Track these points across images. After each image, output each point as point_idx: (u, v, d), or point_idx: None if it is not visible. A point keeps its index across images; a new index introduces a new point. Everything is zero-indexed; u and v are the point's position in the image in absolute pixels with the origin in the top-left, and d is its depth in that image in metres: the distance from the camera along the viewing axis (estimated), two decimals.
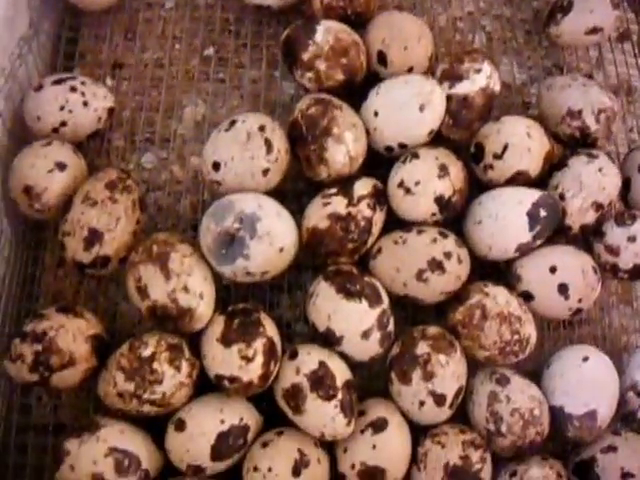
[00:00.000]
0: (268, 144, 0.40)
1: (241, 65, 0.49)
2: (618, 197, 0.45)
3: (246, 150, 0.40)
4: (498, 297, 0.41)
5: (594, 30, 0.49)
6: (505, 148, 0.43)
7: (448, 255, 0.41)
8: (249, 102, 0.48)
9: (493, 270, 0.44)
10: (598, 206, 0.43)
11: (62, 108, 0.43)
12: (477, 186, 0.44)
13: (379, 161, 0.44)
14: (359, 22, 0.46)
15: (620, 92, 0.53)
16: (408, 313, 0.44)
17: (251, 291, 0.44)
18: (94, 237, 0.39)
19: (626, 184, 0.46)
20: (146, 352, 0.38)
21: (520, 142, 0.43)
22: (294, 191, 0.45)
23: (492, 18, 0.53)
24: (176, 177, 0.47)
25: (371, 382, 0.42)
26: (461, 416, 0.41)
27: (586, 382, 0.42)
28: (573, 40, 0.50)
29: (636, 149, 0.47)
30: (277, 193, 0.42)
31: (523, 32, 0.53)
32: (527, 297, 0.42)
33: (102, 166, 0.46)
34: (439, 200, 0.41)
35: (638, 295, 0.48)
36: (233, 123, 0.41)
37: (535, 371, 0.43)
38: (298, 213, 0.42)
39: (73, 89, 0.43)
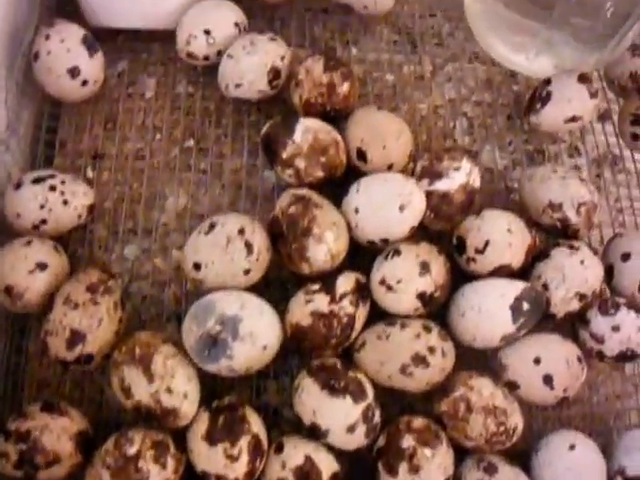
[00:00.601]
0: (248, 246, 0.43)
1: (222, 155, 0.51)
2: (602, 284, 0.47)
3: (226, 254, 0.42)
4: (483, 390, 0.43)
5: (573, 119, 0.52)
6: (486, 244, 0.45)
7: (432, 349, 0.43)
8: (231, 192, 0.50)
9: (480, 354, 0.46)
10: (581, 296, 0.46)
11: (42, 207, 0.45)
12: (461, 273, 0.46)
13: (363, 250, 0.46)
14: (338, 117, 0.49)
15: (604, 164, 0.55)
16: (396, 396, 0.45)
17: (237, 378, 0.45)
18: (76, 337, 0.41)
19: (609, 271, 0.48)
20: (131, 450, 0.40)
21: (501, 238, 0.45)
22: (278, 279, 0.47)
23: (473, 104, 0.55)
24: (159, 268, 0.48)
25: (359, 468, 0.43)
26: None
27: (573, 470, 0.43)
28: (553, 128, 0.53)
29: (617, 236, 0.50)
30: (261, 281, 0.44)
31: (504, 117, 0.55)
32: (513, 386, 0.44)
33: (84, 257, 0.48)
34: (421, 297, 0.43)
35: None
36: (212, 226, 0.43)
37: (524, 450, 0.45)
38: (283, 300, 0.44)
39: (52, 188, 0.45)
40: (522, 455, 0.44)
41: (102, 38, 0.52)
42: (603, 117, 0.56)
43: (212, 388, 0.44)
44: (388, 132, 0.47)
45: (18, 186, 0.46)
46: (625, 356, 0.46)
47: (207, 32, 0.50)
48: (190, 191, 0.50)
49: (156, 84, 0.53)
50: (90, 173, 0.50)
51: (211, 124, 0.52)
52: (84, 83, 0.49)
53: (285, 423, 0.45)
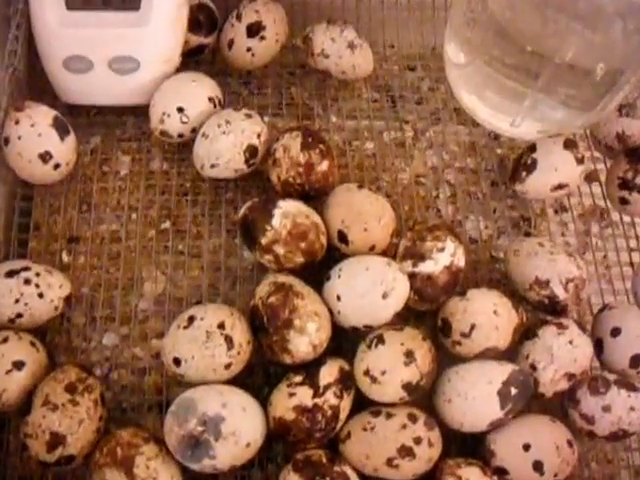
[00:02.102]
0: (228, 341, 0.44)
1: (199, 235, 0.53)
2: (591, 361, 0.48)
3: (206, 349, 0.44)
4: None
5: (559, 186, 0.53)
6: (472, 327, 0.47)
7: (418, 440, 0.44)
8: (210, 273, 0.52)
9: (470, 438, 0.47)
10: (570, 376, 0.47)
11: (17, 301, 0.46)
12: (445, 353, 0.48)
13: (346, 333, 0.47)
14: (318, 195, 0.50)
15: (592, 219, 0.57)
16: None
17: None
18: (57, 440, 0.42)
19: (599, 344, 0.50)
20: None
21: (487, 321, 0.47)
22: (261, 363, 0.48)
23: (456, 171, 0.57)
24: (138, 356, 0.50)
25: None
26: None
27: None
28: (539, 196, 0.55)
29: (607, 308, 0.51)
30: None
31: (488, 183, 0.57)
32: (502, 472, 0.46)
33: (62, 345, 0.49)
34: (407, 386, 0.45)
35: None
36: (191, 320, 0.45)
37: None
38: (266, 384, 0.46)
39: (27, 281, 0.46)
40: None
41: (74, 113, 0.54)
42: (589, 178, 0.57)
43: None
44: (369, 213, 0.49)
45: None
46: (617, 436, 0.47)
47: (180, 110, 0.52)
48: (168, 274, 0.51)
49: (130, 161, 0.55)
50: (66, 257, 0.52)
51: (187, 203, 0.54)
52: (56, 167, 0.51)
53: None
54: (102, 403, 0.45)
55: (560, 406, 0.49)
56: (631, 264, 0.55)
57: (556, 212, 0.58)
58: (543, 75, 0.51)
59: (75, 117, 0.53)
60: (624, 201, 0.55)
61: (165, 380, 0.49)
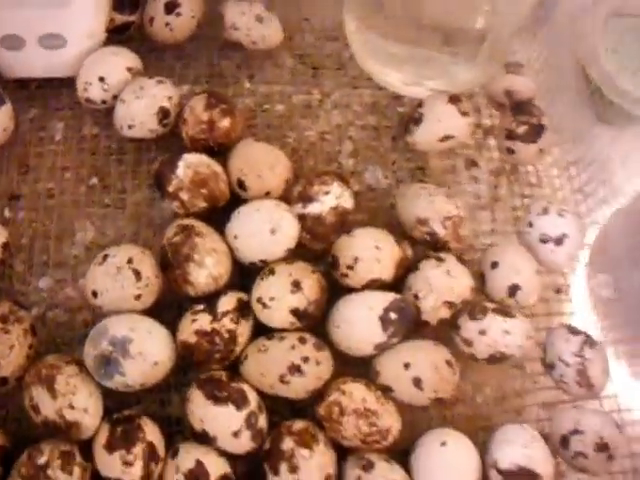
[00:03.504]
0: (137, 273, 0.52)
1: (124, 190, 0.61)
2: (472, 292, 0.56)
3: (116, 281, 0.52)
4: (354, 394, 0.51)
5: (446, 137, 0.61)
6: (356, 260, 0.54)
7: (306, 359, 0.52)
8: (133, 223, 0.60)
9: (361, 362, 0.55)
10: (450, 304, 0.54)
11: None
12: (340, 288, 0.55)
13: (249, 270, 0.55)
14: (223, 150, 0.58)
15: (503, 174, 0.64)
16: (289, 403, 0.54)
17: (144, 392, 0.54)
18: None
19: (482, 277, 0.57)
20: (41, 460, 0.49)
21: (369, 255, 0.54)
22: (176, 301, 0.56)
23: (359, 128, 0.65)
24: (71, 297, 0.58)
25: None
26: None
27: (446, 466, 0.52)
28: (429, 147, 0.62)
29: (490, 246, 0.59)
30: (158, 305, 0.54)
31: (389, 138, 0.65)
32: (387, 390, 0.53)
33: (4, 290, 0.57)
34: (295, 312, 0.52)
35: None
36: (105, 257, 0.53)
37: (406, 449, 0.53)
38: (179, 320, 0.53)
39: None
40: (405, 454, 0.53)
41: (13, 87, 0.62)
42: (488, 133, 0.66)
43: (120, 402, 0.53)
44: (264, 162, 0.57)
45: None
46: (495, 358, 0.54)
47: (101, 79, 0.60)
48: (96, 224, 0.60)
49: (64, 127, 0.63)
50: (7, 213, 0.60)
51: (113, 162, 0.62)
52: None
53: (187, 431, 0.53)
54: (32, 333, 0.53)
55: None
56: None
57: (467, 168, 0.65)
58: (423, 40, 0.59)
59: (14, 90, 0.61)
60: (510, 151, 0.63)
61: (92, 317, 0.56)
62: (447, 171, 0.64)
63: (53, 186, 0.61)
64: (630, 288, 0.62)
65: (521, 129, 0.62)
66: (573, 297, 0.62)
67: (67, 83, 0.63)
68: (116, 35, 0.65)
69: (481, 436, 0.54)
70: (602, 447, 0.52)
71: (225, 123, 0.58)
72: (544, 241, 0.58)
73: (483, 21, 0.59)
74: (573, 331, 0.56)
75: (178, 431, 0.54)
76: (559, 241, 0.58)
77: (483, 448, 0.53)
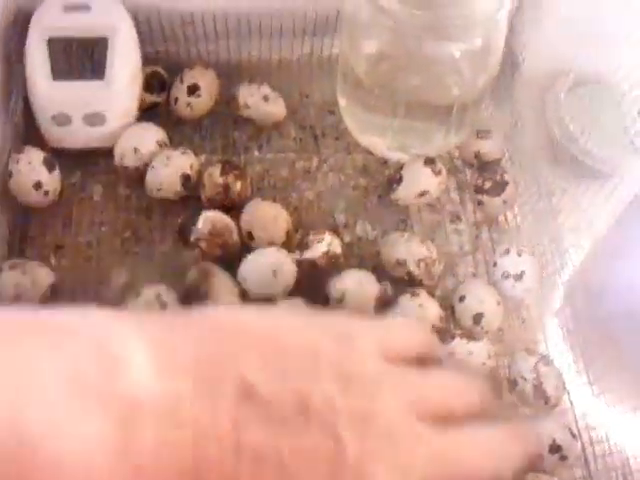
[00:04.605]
0: (163, 306, 0.64)
1: (153, 241, 0.74)
2: (442, 320, 0.67)
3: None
4: None
5: (422, 194, 0.74)
6: (343, 295, 0.66)
7: None
8: (160, 268, 0.72)
9: None
10: None
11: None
12: None
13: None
14: (235, 208, 0.72)
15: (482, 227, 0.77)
16: None
17: None
18: None
19: (452, 309, 0.70)
20: None
21: (354, 291, 0.66)
22: None
23: (351, 188, 0.78)
24: None
25: None
26: None
27: None
28: (409, 202, 0.75)
29: (459, 283, 0.71)
30: None
31: (376, 196, 0.78)
32: None
33: None
34: None
35: None
36: (138, 293, 0.65)
37: None
38: None
39: (24, 273, 0.66)
40: None
41: (61, 155, 0.75)
42: (462, 188, 0.79)
43: None
44: (268, 218, 0.70)
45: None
46: None
47: (135, 150, 0.73)
48: (129, 270, 0.71)
49: (102, 189, 0.76)
50: (53, 260, 0.72)
51: (144, 218, 0.75)
52: (46, 193, 0.71)
53: None
54: None
55: None
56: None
57: (452, 222, 0.78)
58: (399, 113, 0.73)
59: (62, 158, 0.74)
60: (480, 202, 0.76)
61: None
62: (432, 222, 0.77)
63: (92, 239, 0.74)
64: (587, 320, 0.73)
65: (487, 185, 0.75)
66: (535, 325, 0.73)
67: (104, 152, 0.76)
68: (146, 112, 0.79)
69: None
70: (555, 449, 0.62)
71: (238, 186, 0.72)
72: (506, 277, 0.71)
73: (450, 94, 0.73)
74: (530, 352, 0.67)
75: None
76: (518, 277, 0.70)
77: None
